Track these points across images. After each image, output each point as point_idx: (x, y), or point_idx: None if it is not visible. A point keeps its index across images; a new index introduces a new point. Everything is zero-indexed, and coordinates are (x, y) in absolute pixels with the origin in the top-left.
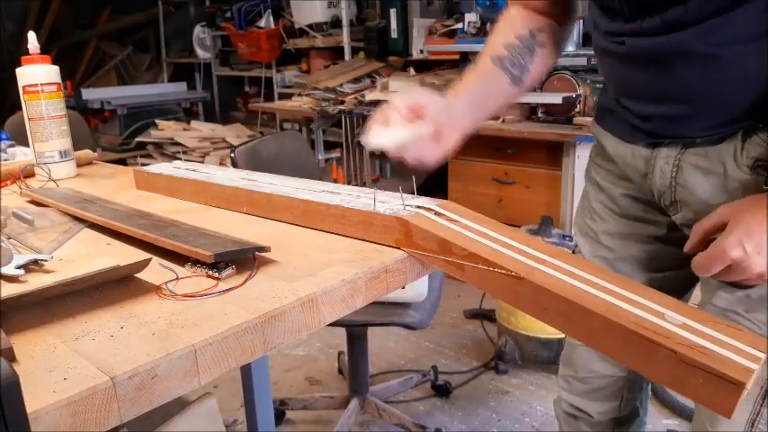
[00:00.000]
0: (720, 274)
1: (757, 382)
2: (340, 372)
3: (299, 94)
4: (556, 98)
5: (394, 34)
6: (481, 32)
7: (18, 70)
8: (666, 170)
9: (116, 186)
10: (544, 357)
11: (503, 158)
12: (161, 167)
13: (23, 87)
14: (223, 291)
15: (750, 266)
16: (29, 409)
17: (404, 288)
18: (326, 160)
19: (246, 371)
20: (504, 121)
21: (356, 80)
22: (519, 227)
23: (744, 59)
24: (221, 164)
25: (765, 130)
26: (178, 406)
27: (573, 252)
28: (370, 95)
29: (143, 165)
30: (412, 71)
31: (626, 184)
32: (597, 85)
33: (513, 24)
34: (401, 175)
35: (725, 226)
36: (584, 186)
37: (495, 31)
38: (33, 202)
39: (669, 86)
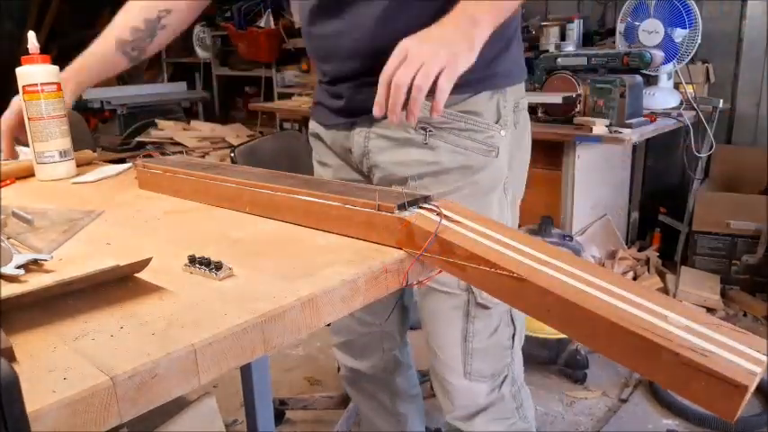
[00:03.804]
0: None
1: (459, 306)
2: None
3: (299, 94)
4: (556, 98)
5: None
6: None
7: (18, 70)
8: (360, 142)
9: (116, 186)
10: (544, 357)
11: None
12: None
13: (23, 87)
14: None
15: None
16: (29, 409)
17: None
18: None
19: (246, 371)
20: None
21: None
22: (519, 227)
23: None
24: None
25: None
26: (178, 406)
27: None
28: None
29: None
30: None
31: (337, 159)
32: (597, 85)
33: (141, 6)
34: None
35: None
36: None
37: (126, 8)
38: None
39: (360, 41)
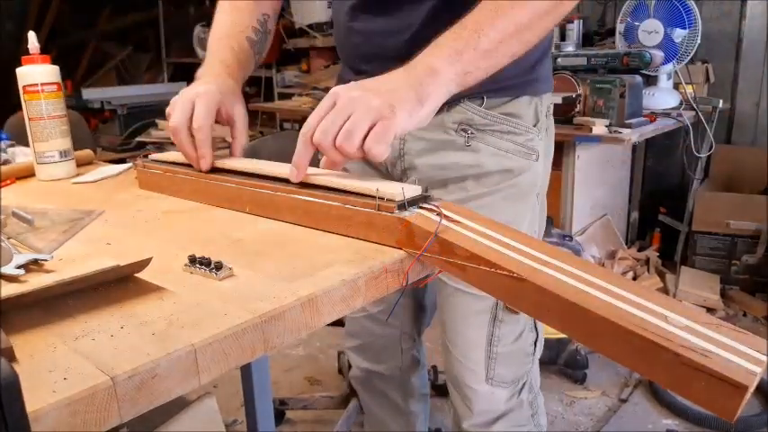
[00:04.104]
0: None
1: (486, 310)
2: (340, 372)
3: (299, 94)
4: (556, 98)
5: None
6: None
7: (18, 70)
8: (395, 143)
9: (116, 186)
10: (544, 357)
11: None
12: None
13: (23, 87)
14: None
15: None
16: (29, 409)
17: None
18: None
19: (246, 371)
20: None
21: None
22: None
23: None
24: None
25: (466, 101)
26: (178, 406)
27: None
28: None
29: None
30: None
31: (362, 163)
32: (597, 85)
33: (250, 10)
34: None
35: None
36: None
37: (239, 10)
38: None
39: (398, 36)
